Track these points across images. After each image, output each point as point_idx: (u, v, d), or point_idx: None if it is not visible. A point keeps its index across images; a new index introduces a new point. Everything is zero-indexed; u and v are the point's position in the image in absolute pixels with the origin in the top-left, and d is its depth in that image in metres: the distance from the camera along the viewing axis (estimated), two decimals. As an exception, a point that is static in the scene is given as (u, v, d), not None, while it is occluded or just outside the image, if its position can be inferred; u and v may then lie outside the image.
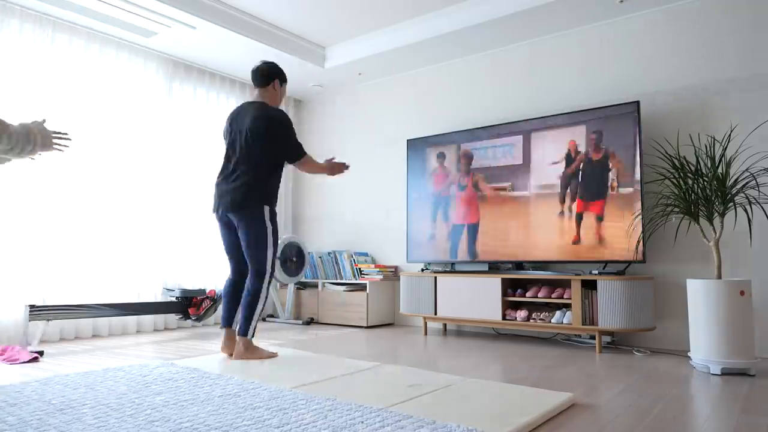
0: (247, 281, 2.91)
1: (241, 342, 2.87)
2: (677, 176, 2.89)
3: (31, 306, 3.21)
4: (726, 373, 2.62)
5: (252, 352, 2.88)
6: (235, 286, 3.06)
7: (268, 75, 3.06)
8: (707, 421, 1.81)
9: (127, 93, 4.21)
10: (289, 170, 5.62)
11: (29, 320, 3.18)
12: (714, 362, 2.61)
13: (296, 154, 2.99)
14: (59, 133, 1.94)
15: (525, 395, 2.04)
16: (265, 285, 2.90)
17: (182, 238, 4.52)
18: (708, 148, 2.96)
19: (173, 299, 4.11)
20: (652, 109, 3.60)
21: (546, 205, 3.67)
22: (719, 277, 2.77)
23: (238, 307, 3.01)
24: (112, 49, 4.13)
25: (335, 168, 3.13)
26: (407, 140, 4.46)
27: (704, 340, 2.66)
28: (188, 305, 4.05)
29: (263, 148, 2.89)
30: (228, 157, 2.99)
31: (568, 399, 1.99)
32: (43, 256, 3.65)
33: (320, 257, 4.97)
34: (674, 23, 3.56)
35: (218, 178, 3.00)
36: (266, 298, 2.91)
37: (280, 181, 3.03)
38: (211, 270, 4.73)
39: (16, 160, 1.76)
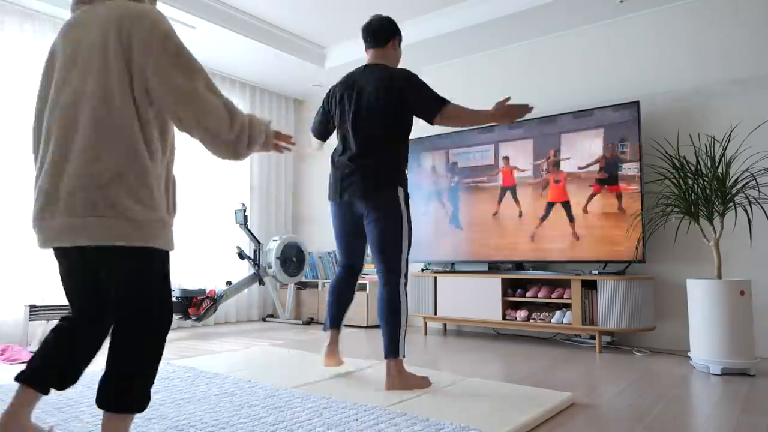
0: (380, 285, 2.32)
1: (393, 365, 2.19)
2: (677, 176, 2.88)
3: (31, 306, 3.21)
4: (726, 373, 2.61)
5: (407, 379, 2.19)
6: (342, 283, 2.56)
7: (387, 31, 2.46)
8: (707, 421, 1.80)
9: (127, 93, 4.21)
10: (290, 169, 5.62)
11: (29, 320, 3.18)
12: (714, 362, 2.60)
13: (436, 107, 2.29)
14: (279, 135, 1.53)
15: (525, 395, 2.04)
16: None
17: (182, 238, 4.52)
18: (708, 148, 2.95)
19: (173, 299, 4.11)
20: (652, 109, 3.59)
21: (546, 203, 3.66)
22: (719, 277, 2.76)
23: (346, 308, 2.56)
24: (112, 49, 4.13)
25: (512, 112, 2.26)
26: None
27: (704, 340, 2.65)
28: (188, 305, 4.05)
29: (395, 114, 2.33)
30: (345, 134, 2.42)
31: (567, 399, 1.98)
32: (43, 256, 3.65)
33: (320, 257, 4.97)
34: (674, 23, 3.55)
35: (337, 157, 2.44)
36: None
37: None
38: (211, 270, 4.73)
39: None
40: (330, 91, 2.54)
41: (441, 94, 4.66)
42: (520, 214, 3.76)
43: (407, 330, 2.17)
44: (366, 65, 2.46)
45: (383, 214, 2.28)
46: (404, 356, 2.21)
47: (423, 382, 2.21)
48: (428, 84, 2.34)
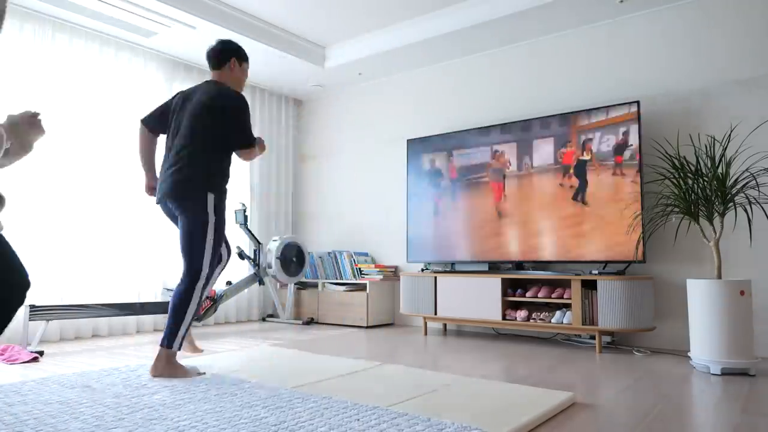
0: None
1: (163, 354, 2.38)
2: (677, 176, 2.88)
3: (31, 306, 3.21)
4: (726, 373, 2.61)
5: (173, 369, 2.38)
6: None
7: (221, 53, 2.66)
8: (707, 421, 1.80)
9: (127, 93, 4.21)
10: (290, 169, 5.62)
11: (29, 320, 3.18)
12: (714, 362, 2.61)
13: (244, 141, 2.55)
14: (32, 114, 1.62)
15: (525, 395, 2.04)
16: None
17: (182, 238, 4.51)
18: (708, 148, 2.95)
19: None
20: (652, 109, 3.59)
21: (546, 204, 3.66)
22: (719, 277, 2.76)
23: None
24: (111, 49, 4.13)
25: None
26: (407, 140, 4.46)
27: (704, 340, 2.65)
28: (188, 305, 4.04)
29: (209, 127, 2.49)
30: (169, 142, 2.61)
31: (567, 398, 1.98)
32: (43, 256, 3.65)
33: (320, 257, 4.97)
34: (674, 23, 3.56)
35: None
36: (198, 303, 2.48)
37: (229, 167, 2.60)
38: (211, 270, 4.73)
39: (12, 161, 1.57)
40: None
41: (442, 93, 4.67)
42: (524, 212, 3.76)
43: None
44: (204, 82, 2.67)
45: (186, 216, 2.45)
46: (178, 350, 2.41)
47: (189, 372, 2.40)
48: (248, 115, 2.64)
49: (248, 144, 2.57)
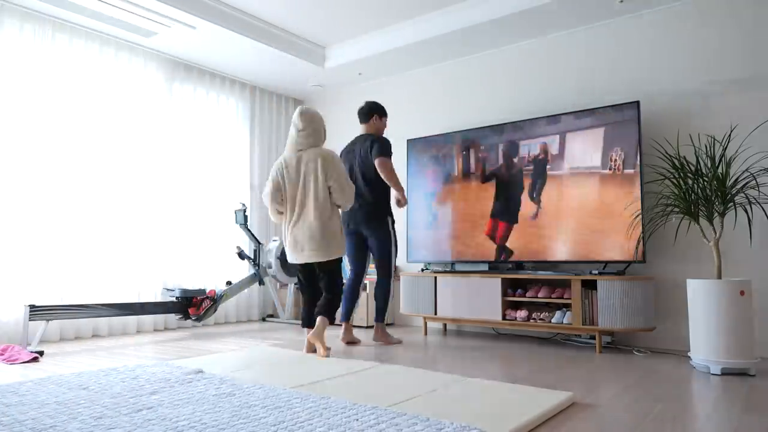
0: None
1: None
2: (677, 176, 2.88)
3: (31, 306, 3.21)
4: (726, 373, 2.60)
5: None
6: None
7: (367, 112, 3.66)
8: (707, 421, 1.80)
9: (127, 93, 4.21)
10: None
11: (29, 320, 3.18)
12: (714, 362, 2.60)
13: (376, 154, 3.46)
14: None
15: (525, 395, 2.03)
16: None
17: (182, 238, 4.52)
18: (708, 148, 2.95)
19: (173, 299, 4.10)
20: (652, 109, 3.59)
21: (546, 204, 3.66)
22: (719, 277, 2.76)
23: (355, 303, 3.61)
24: (111, 49, 4.13)
25: (400, 199, 3.48)
26: (407, 140, 4.46)
27: (704, 340, 2.65)
28: (188, 305, 4.05)
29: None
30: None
31: (567, 398, 1.98)
32: (43, 257, 3.66)
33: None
34: (674, 23, 3.55)
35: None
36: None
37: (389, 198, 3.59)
38: (211, 270, 4.73)
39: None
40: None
41: (442, 93, 4.66)
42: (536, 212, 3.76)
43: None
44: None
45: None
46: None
47: (397, 340, 3.57)
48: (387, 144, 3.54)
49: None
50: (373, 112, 3.65)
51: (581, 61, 3.92)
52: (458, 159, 4.13)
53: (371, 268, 4.60)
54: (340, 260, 3.17)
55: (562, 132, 3.64)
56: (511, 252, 3.78)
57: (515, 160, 3.83)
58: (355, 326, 4.58)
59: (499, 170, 3.91)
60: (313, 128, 3.15)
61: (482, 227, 3.95)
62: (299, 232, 3.08)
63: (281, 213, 3.20)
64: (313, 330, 3.06)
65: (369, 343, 3.58)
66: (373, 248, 3.52)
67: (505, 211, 3.85)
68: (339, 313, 3.98)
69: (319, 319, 3.07)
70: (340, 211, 3.21)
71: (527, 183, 3.76)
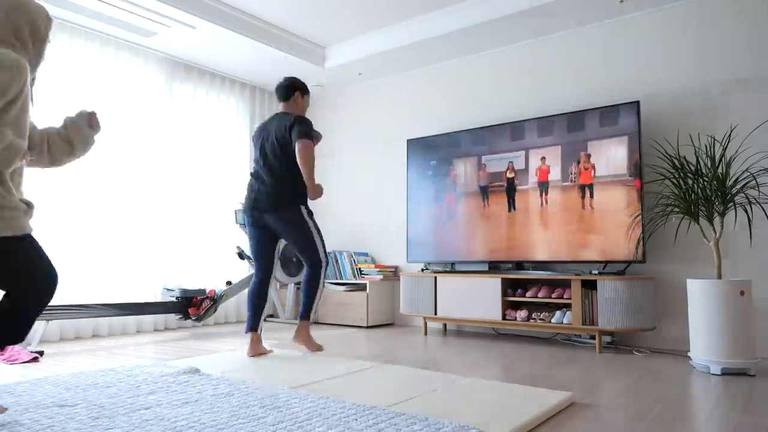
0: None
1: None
2: (677, 176, 2.88)
3: (30, 305, 3.20)
4: (726, 373, 2.60)
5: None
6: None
7: (288, 88, 3.21)
8: (707, 421, 1.79)
9: (127, 93, 4.21)
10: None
11: (28, 320, 3.18)
12: (714, 362, 2.60)
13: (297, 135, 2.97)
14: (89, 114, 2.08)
15: (524, 395, 2.03)
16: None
17: (182, 238, 4.52)
18: (708, 148, 2.95)
19: (173, 299, 4.10)
20: (652, 109, 3.59)
21: (546, 204, 3.66)
22: (719, 277, 2.75)
23: (263, 310, 3.09)
24: (111, 49, 4.13)
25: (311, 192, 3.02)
26: (407, 140, 4.46)
27: (704, 340, 2.64)
28: (188, 305, 4.05)
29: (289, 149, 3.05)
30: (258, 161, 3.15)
31: (567, 398, 1.98)
32: (43, 256, 3.65)
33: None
34: (674, 23, 3.55)
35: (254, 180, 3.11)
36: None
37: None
38: (211, 270, 4.73)
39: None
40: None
41: (442, 93, 4.66)
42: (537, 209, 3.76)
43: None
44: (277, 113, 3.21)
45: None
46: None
47: (318, 346, 3.14)
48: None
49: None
50: (295, 88, 3.21)
51: (581, 61, 3.92)
52: (459, 159, 4.12)
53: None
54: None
55: (563, 132, 3.63)
56: (515, 250, 3.78)
57: (515, 159, 3.83)
58: (349, 326, 4.58)
59: (500, 170, 3.90)
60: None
61: (482, 227, 3.94)
62: None
63: None
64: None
65: (354, 345, 3.57)
66: (288, 239, 3.05)
67: (507, 209, 3.84)
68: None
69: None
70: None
71: (527, 183, 3.76)
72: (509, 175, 3.86)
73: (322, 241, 3.10)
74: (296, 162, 3.00)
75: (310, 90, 3.30)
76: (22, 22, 1.74)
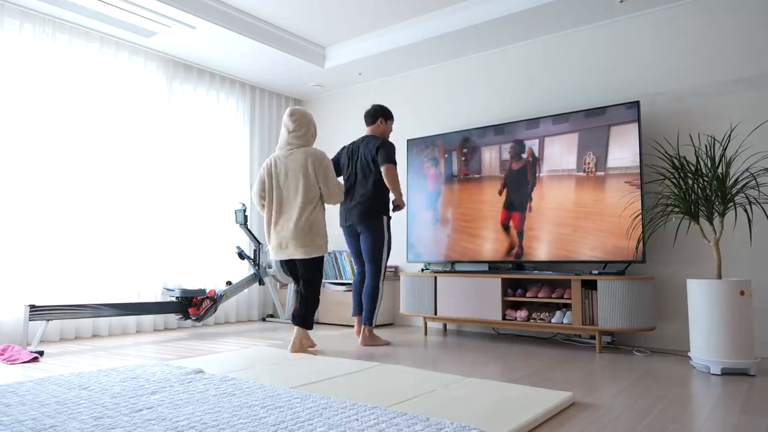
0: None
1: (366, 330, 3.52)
2: (677, 176, 2.88)
3: (31, 306, 3.21)
4: (726, 373, 2.60)
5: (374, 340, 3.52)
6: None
7: (372, 115, 3.72)
8: (707, 421, 1.80)
9: (127, 93, 4.21)
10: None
11: (29, 320, 3.18)
12: (714, 362, 2.60)
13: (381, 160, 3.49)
14: None
15: (525, 394, 2.03)
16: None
17: (182, 238, 4.52)
18: (708, 148, 2.95)
19: (173, 299, 4.10)
20: (652, 109, 3.59)
21: (547, 204, 3.66)
22: (719, 277, 2.76)
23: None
24: (111, 49, 4.13)
25: (399, 204, 3.55)
26: (407, 140, 4.46)
27: (704, 340, 2.65)
28: (188, 305, 4.05)
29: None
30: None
31: (567, 398, 1.98)
32: (43, 256, 3.65)
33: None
34: (674, 23, 3.55)
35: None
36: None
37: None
38: (211, 270, 4.73)
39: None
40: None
41: (442, 93, 4.66)
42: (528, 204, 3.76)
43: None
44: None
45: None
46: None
47: (385, 341, 3.52)
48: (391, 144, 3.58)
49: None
50: (378, 115, 3.70)
51: (581, 61, 3.92)
52: (458, 159, 4.13)
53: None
54: (321, 260, 3.20)
55: (563, 132, 3.63)
56: (520, 245, 3.78)
57: (515, 159, 3.83)
58: (350, 326, 4.57)
59: (500, 170, 3.91)
60: (304, 128, 3.22)
61: (482, 227, 3.94)
62: (283, 230, 3.13)
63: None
64: (293, 343, 3.14)
65: (352, 345, 3.58)
66: (364, 247, 3.52)
67: (508, 207, 3.84)
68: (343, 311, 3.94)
69: (296, 330, 3.16)
70: (326, 210, 3.30)
71: (527, 183, 3.76)
72: (509, 174, 3.85)
73: (389, 253, 3.56)
74: (381, 179, 3.52)
75: (389, 114, 3.74)
76: (312, 130, 3.29)
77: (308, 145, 3.25)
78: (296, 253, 3.10)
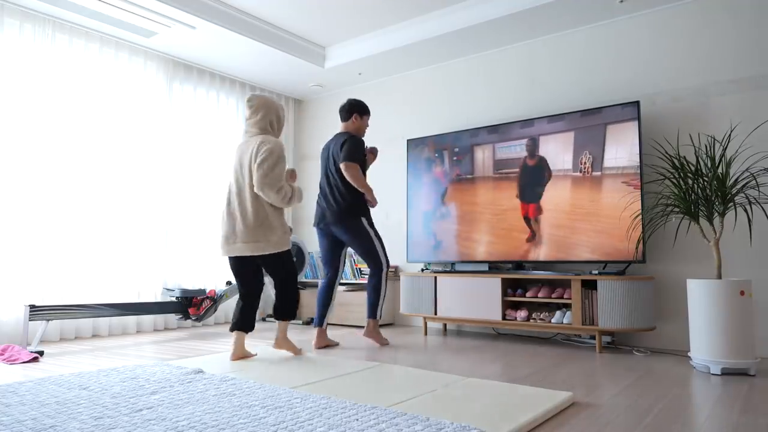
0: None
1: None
2: (677, 176, 2.88)
3: (31, 306, 3.21)
4: (726, 373, 2.60)
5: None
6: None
7: (346, 109, 3.56)
8: (707, 421, 1.80)
9: (127, 93, 4.21)
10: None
11: (29, 320, 3.18)
12: (714, 362, 2.60)
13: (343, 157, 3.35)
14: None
15: (525, 394, 2.03)
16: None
17: (182, 238, 4.52)
18: (708, 148, 2.95)
19: (173, 299, 4.10)
20: (652, 109, 3.59)
21: (547, 204, 3.66)
22: (719, 277, 2.76)
23: (328, 308, 3.47)
24: (111, 49, 4.13)
25: (369, 200, 3.42)
26: (407, 140, 4.46)
27: (704, 340, 2.65)
28: (188, 305, 4.05)
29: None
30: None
31: (567, 398, 1.98)
32: (43, 256, 3.65)
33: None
34: (674, 23, 3.55)
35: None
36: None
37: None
38: (211, 270, 4.73)
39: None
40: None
41: (442, 93, 4.66)
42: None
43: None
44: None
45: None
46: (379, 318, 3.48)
47: (385, 340, 3.49)
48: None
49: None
50: (353, 110, 3.53)
51: (581, 61, 3.92)
52: (458, 159, 4.13)
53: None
54: (288, 254, 2.96)
55: (563, 131, 3.63)
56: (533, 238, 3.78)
57: (514, 159, 3.83)
58: (350, 326, 4.58)
59: (500, 170, 3.91)
60: (261, 113, 2.95)
61: (482, 227, 3.94)
62: (232, 221, 2.86)
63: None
64: (277, 338, 3.09)
65: (352, 345, 3.57)
66: (353, 247, 3.42)
67: (507, 209, 3.84)
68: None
69: (278, 323, 3.10)
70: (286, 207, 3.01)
71: (527, 183, 3.76)
72: (508, 174, 3.85)
73: (383, 246, 3.44)
74: None
75: (365, 109, 3.59)
76: (272, 117, 2.99)
77: (265, 132, 2.95)
78: (246, 250, 2.81)
